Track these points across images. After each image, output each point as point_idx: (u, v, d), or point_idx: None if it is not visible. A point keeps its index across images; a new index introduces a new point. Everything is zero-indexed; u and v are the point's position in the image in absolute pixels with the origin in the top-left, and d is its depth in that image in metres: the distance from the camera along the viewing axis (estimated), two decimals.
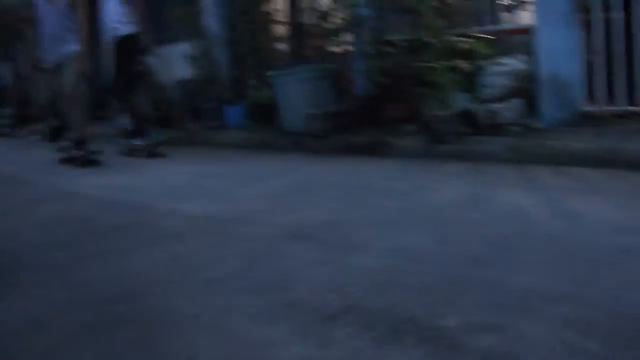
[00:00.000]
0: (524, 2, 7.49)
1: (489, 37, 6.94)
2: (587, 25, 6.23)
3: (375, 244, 3.51)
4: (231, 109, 8.76)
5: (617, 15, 5.98)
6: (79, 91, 7.11)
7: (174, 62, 9.89)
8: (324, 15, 7.89)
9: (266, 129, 7.96)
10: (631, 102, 6.01)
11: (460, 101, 6.20)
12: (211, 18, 9.51)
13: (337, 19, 7.71)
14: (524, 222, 3.78)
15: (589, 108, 6.28)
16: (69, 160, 7.23)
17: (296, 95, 7.31)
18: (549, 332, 2.33)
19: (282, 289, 2.95)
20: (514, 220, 3.82)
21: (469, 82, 6.30)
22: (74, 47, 6.96)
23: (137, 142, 7.62)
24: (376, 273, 3.08)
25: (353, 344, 2.35)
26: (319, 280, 3.03)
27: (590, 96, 6.27)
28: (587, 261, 3.05)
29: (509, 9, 7.12)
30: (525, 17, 7.15)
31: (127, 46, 7.36)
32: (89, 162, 7.06)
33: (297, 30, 8.18)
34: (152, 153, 7.48)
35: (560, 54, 6.26)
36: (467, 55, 6.38)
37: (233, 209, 4.57)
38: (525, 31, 6.76)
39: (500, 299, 2.65)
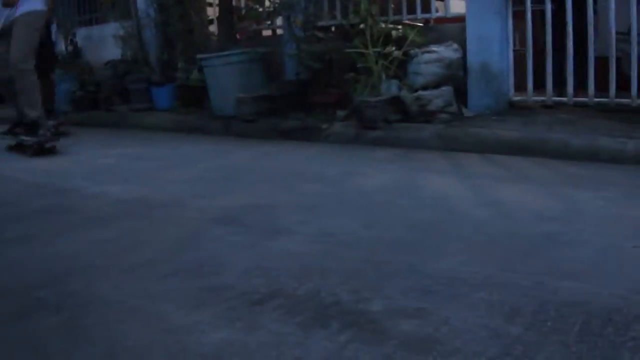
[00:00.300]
0: None
1: (420, 24, 6.98)
2: (518, 16, 6.30)
3: (303, 229, 3.50)
4: (160, 90, 8.65)
5: (548, 6, 6.05)
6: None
7: (103, 43, 9.76)
8: None
9: (196, 112, 7.90)
10: (559, 92, 6.11)
11: (391, 88, 6.22)
12: None
13: (269, 2, 7.67)
14: (450, 208, 3.81)
15: (518, 97, 6.36)
16: (19, 148, 6.71)
17: (226, 79, 7.25)
18: (473, 317, 2.34)
19: (209, 273, 2.92)
20: (441, 206, 3.85)
21: (400, 69, 6.33)
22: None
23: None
24: (303, 258, 3.06)
25: (279, 329, 2.33)
26: (245, 265, 3.00)
27: (520, 86, 6.36)
28: (512, 248, 3.09)
29: None
30: (458, 5, 7.21)
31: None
32: (44, 150, 6.48)
33: (228, 12, 8.10)
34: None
35: (491, 44, 6.32)
36: (399, 42, 6.41)
37: (160, 192, 4.51)
38: (458, 20, 6.82)
39: (425, 284, 2.66)
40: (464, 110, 6.28)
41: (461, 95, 6.39)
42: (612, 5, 5.79)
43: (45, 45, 7.59)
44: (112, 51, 9.48)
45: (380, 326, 2.31)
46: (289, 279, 2.79)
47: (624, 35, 5.94)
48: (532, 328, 2.24)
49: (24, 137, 6.61)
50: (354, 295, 2.58)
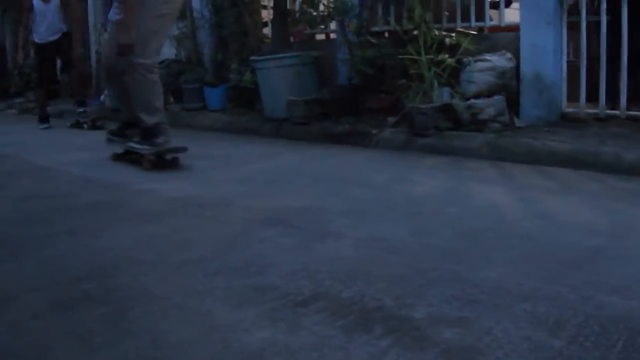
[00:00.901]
0: (511, 0, 7.54)
1: (474, 32, 6.97)
2: (573, 26, 6.26)
3: (350, 233, 3.52)
4: (213, 91, 8.75)
5: (604, 18, 6.00)
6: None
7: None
8: (310, 2, 7.87)
9: (247, 114, 7.96)
10: (612, 105, 6.05)
11: (443, 95, 6.21)
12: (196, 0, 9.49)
13: (323, 6, 7.70)
14: (498, 218, 3.79)
15: (571, 109, 6.31)
16: (128, 157, 5.80)
17: (278, 81, 7.31)
18: (515, 328, 2.34)
19: (255, 273, 2.95)
20: (489, 216, 3.84)
21: (452, 77, 6.31)
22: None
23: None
24: (349, 262, 3.08)
25: (321, 331, 2.35)
26: (291, 266, 3.03)
27: (572, 97, 6.31)
28: (558, 260, 3.07)
29: (496, 5, 7.14)
30: (512, 15, 7.18)
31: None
32: (165, 162, 5.57)
33: (283, 15, 8.15)
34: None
35: (544, 53, 6.27)
36: (452, 50, 6.40)
37: (211, 191, 4.56)
38: (512, 29, 6.79)
39: (469, 293, 2.66)
40: (515, 120, 6.24)
41: (513, 105, 6.35)
42: None
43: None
44: (167, 51, 9.57)
45: (422, 333, 2.32)
46: (334, 282, 2.81)
47: None
48: (575, 342, 2.23)
49: (136, 145, 5.58)
50: (397, 301, 2.59)
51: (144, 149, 5.48)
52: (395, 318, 2.45)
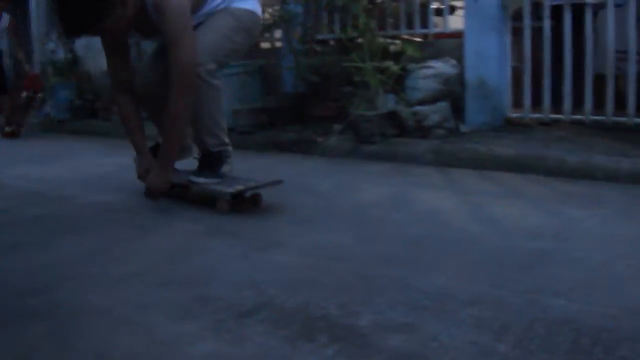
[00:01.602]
0: (455, 6, 7.59)
1: (418, 39, 7.00)
2: (517, 32, 6.32)
3: (295, 242, 3.49)
4: None
5: (547, 23, 6.07)
6: None
7: (102, 52, 9.72)
8: None
9: None
10: (557, 110, 6.12)
11: (388, 102, 6.22)
12: None
13: (268, 14, 7.68)
14: (444, 224, 3.80)
15: (515, 114, 6.37)
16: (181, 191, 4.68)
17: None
18: (461, 333, 2.33)
19: (198, 284, 2.90)
20: (435, 222, 3.84)
21: (397, 84, 6.33)
22: None
23: None
24: (293, 271, 3.05)
25: (265, 342, 2.32)
26: (235, 276, 2.99)
27: (517, 102, 6.37)
28: (504, 264, 3.08)
29: (440, 12, 7.19)
30: (457, 21, 7.23)
31: None
32: (245, 201, 4.34)
33: None
34: None
35: (488, 60, 6.33)
36: (397, 57, 6.42)
37: (154, 202, 4.50)
38: (456, 35, 6.83)
39: (415, 299, 2.65)
40: (460, 126, 6.28)
41: (458, 111, 6.39)
42: (611, 24, 5.81)
43: None
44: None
45: (367, 340, 2.29)
46: (278, 291, 2.78)
47: (622, 54, 5.95)
48: (520, 346, 2.23)
49: (197, 178, 4.42)
50: (342, 309, 2.56)
51: (209, 182, 4.39)
52: (340, 326, 2.42)
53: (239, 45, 4.50)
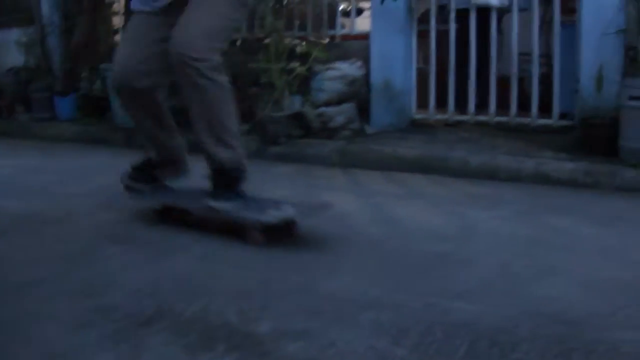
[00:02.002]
0: (362, 8, 7.64)
1: (325, 41, 7.03)
2: (423, 34, 6.40)
3: (197, 247, 3.45)
4: (63, 100, 8.47)
5: (452, 26, 6.17)
6: None
7: (5, 49, 9.51)
8: None
9: (98, 123, 7.76)
10: (462, 111, 6.22)
11: (294, 104, 6.22)
12: (45, 4, 9.18)
13: None
14: (347, 226, 3.80)
15: (420, 115, 6.45)
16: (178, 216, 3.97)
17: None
18: (360, 338, 2.33)
19: (98, 293, 2.83)
20: (337, 224, 3.83)
21: (303, 85, 6.33)
22: None
23: None
24: (194, 277, 3.01)
25: (164, 351, 2.27)
26: (136, 284, 2.92)
27: (423, 104, 6.45)
28: (404, 267, 3.10)
29: (348, 14, 7.23)
30: (364, 23, 7.28)
31: None
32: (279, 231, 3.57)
33: None
34: None
35: (394, 62, 6.39)
36: (304, 58, 6.42)
37: (54, 207, 4.37)
38: (363, 37, 6.88)
39: (314, 304, 2.64)
40: (366, 127, 6.32)
41: (364, 112, 6.44)
42: (515, 26, 5.95)
43: None
44: (16, 58, 9.23)
45: (266, 348, 2.27)
46: (178, 299, 2.73)
47: (527, 56, 6.09)
48: (417, 350, 2.24)
49: (217, 202, 3.60)
50: (241, 316, 2.54)
51: (232, 207, 3.57)
52: (239, 334, 2.40)
53: (237, 23, 3.89)
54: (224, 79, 3.59)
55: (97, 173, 5.55)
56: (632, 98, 4.90)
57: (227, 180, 3.63)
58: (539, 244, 3.47)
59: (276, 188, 4.81)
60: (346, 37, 7.17)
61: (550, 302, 2.68)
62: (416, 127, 6.37)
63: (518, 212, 4.10)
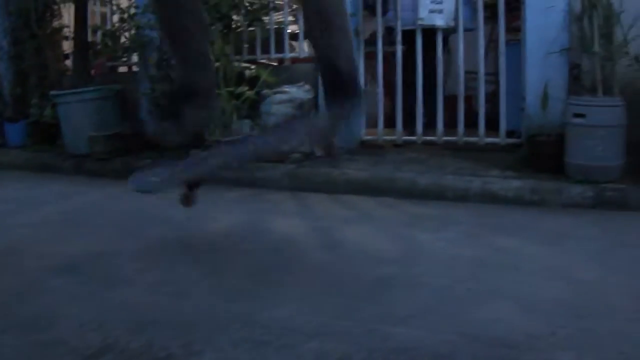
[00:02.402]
0: None
1: (272, 64, 7.06)
2: (370, 56, 6.45)
3: (142, 278, 3.44)
4: (13, 127, 8.40)
5: (399, 48, 6.23)
6: None
7: None
8: (110, 34, 7.74)
9: (48, 150, 7.70)
10: (410, 131, 6.27)
11: (243, 128, 6.23)
12: None
13: (125, 38, 7.59)
14: (292, 252, 3.84)
15: (369, 137, 6.50)
16: None
17: (80, 116, 7.10)
18: None
19: (44, 327, 2.83)
20: (283, 250, 3.86)
21: (253, 109, 6.35)
22: None
23: None
24: (139, 309, 3.01)
25: None
26: (81, 317, 2.92)
27: (371, 125, 6.49)
28: (349, 293, 3.14)
29: (296, 37, 7.27)
30: None
31: None
32: None
33: (83, 48, 7.95)
34: None
35: None
36: (252, 82, 6.45)
37: (2, 237, 4.37)
38: (311, 60, 6.91)
39: (258, 334, 2.66)
40: (315, 150, 6.35)
41: None
42: (461, 46, 6.03)
43: None
44: None
45: None
46: (123, 332, 2.74)
47: (474, 74, 6.18)
48: None
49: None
50: (185, 349, 2.56)
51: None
52: None
53: None
54: None
55: (46, 203, 5.52)
56: (576, 115, 4.99)
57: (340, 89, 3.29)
58: (484, 265, 3.52)
59: (224, 213, 4.82)
60: (295, 61, 7.21)
61: (490, 325, 2.74)
62: (365, 148, 6.41)
63: (464, 233, 4.14)
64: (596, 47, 5.14)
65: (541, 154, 5.38)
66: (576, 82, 5.64)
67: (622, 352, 2.50)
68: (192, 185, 3.64)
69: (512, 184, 4.95)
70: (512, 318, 2.82)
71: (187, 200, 3.60)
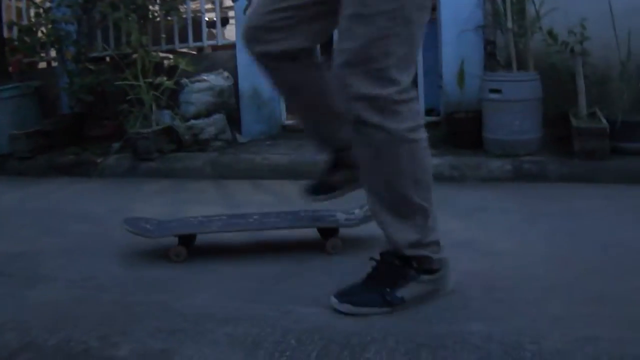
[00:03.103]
0: (228, 18, 7.70)
1: (191, 53, 7.07)
2: None
3: (63, 274, 3.44)
4: None
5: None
6: None
7: None
8: (27, 30, 7.64)
9: None
10: None
11: (163, 118, 6.25)
12: None
13: (42, 33, 7.50)
14: (209, 240, 3.81)
15: (290, 121, 6.56)
16: None
17: None
18: (214, 353, 2.42)
19: None
20: (200, 238, 3.85)
21: (172, 99, 6.37)
22: None
23: None
24: (58, 306, 3.02)
25: None
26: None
27: (291, 110, 6.55)
28: (264, 278, 3.21)
29: (214, 25, 7.29)
30: (230, 33, 7.34)
31: None
32: None
33: (0, 45, 7.85)
34: None
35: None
36: (171, 72, 6.46)
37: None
38: (230, 47, 6.95)
39: (174, 323, 2.71)
40: (238, 136, 6.40)
41: (235, 122, 6.51)
42: None
43: None
44: None
45: None
46: (41, 330, 2.75)
47: None
48: (271, 359, 2.36)
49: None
50: (102, 341, 2.59)
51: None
52: (99, 359, 2.47)
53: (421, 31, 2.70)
54: (416, 134, 2.74)
55: None
56: (492, 91, 5.12)
57: (391, 274, 2.78)
58: None
59: (144, 205, 4.83)
60: (215, 48, 7.23)
61: None
62: (287, 132, 6.47)
63: None
64: (510, 24, 5.27)
65: (460, 131, 5.49)
66: (491, 58, 5.77)
67: (534, 319, 2.59)
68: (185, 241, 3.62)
69: (432, 162, 5.02)
70: None
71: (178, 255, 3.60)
